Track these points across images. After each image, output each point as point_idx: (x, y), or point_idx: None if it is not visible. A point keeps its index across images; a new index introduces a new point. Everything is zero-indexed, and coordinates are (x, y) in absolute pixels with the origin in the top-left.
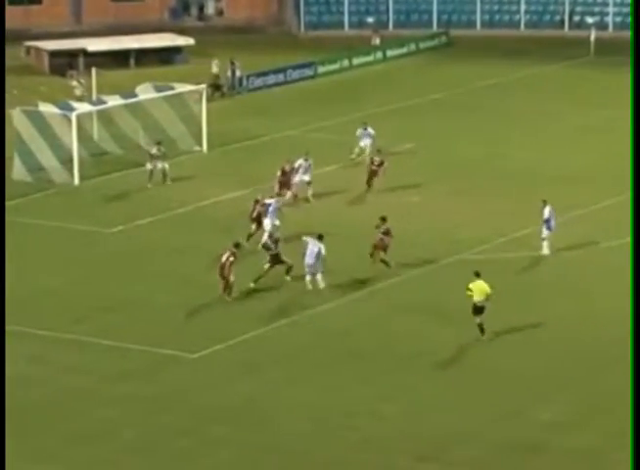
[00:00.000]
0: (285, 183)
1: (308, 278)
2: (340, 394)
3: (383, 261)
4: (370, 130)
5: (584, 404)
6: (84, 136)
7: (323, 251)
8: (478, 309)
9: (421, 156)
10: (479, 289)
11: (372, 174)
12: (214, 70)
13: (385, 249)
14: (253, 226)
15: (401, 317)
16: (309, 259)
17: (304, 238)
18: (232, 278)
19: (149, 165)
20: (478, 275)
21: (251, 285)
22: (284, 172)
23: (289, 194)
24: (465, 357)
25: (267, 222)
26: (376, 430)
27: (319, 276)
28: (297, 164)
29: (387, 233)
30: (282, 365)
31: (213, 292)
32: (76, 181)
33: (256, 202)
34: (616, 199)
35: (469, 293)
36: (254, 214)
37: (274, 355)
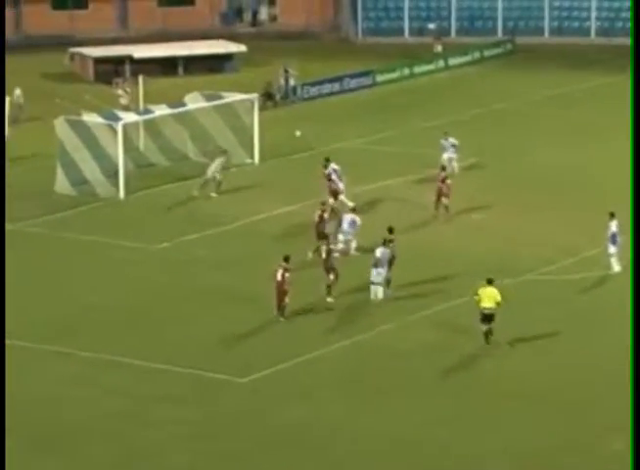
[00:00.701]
0: (333, 191)
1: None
2: (401, 420)
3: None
4: (452, 140)
5: None
6: (130, 147)
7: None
8: (485, 317)
9: (485, 170)
10: (488, 295)
11: (440, 193)
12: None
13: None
14: (321, 238)
15: (462, 339)
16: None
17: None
18: (287, 299)
19: (218, 176)
20: (490, 282)
21: (329, 300)
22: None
23: (337, 201)
24: (530, 385)
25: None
26: (438, 456)
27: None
28: (328, 171)
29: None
30: (339, 390)
31: (265, 311)
32: (122, 194)
33: (321, 215)
34: None
35: (476, 298)
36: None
37: (331, 379)
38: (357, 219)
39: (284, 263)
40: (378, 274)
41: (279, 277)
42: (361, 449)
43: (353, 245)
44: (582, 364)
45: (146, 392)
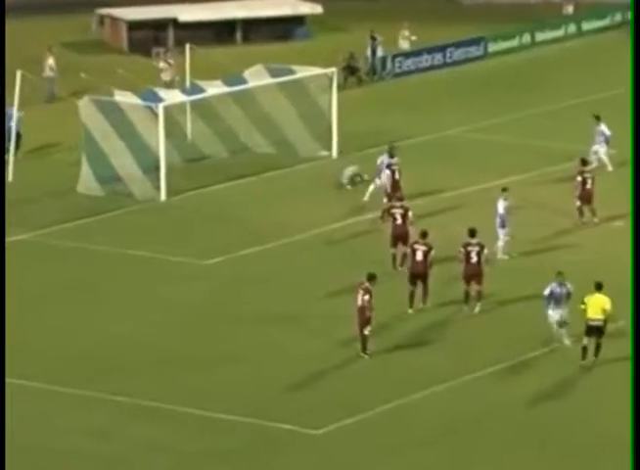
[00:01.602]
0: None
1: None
2: None
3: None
4: (603, 128)
5: None
6: (175, 135)
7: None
8: (591, 329)
9: (626, 165)
10: (595, 304)
11: (585, 196)
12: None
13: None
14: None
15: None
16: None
17: None
18: (368, 329)
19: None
20: (599, 288)
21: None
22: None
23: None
24: None
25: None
26: None
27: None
28: (379, 161)
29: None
30: (436, 445)
31: (344, 347)
32: (163, 196)
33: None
34: None
35: (582, 306)
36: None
37: (424, 432)
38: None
39: (366, 283)
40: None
41: (359, 301)
42: None
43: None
44: None
45: (193, 447)
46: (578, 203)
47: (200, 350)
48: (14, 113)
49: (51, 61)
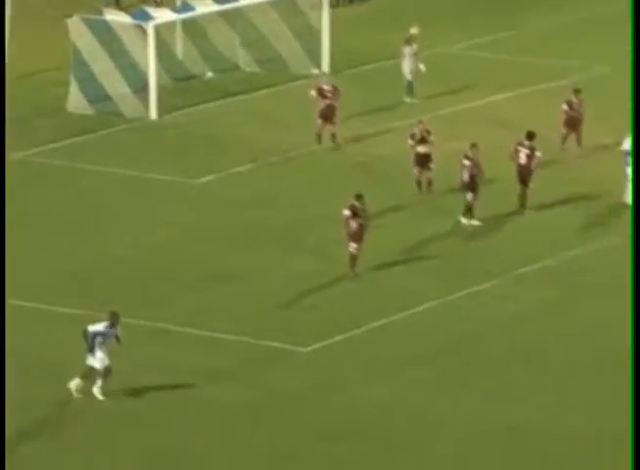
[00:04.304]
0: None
1: None
2: (504, 403)
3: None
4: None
5: None
6: (165, 54)
7: None
8: None
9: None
10: None
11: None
12: None
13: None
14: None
15: (591, 301)
16: None
17: None
18: (353, 247)
19: None
20: None
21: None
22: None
23: None
24: None
25: None
26: (557, 452)
27: None
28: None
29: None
30: (426, 364)
31: (335, 265)
32: (153, 115)
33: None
34: None
35: None
36: (467, 177)
37: (415, 350)
38: None
39: (355, 202)
40: None
41: (350, 223)
42: (449, 439)
43: None
44: None
45: (185, 365)
46: (564, 130)
47: (193, 269)
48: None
49: None
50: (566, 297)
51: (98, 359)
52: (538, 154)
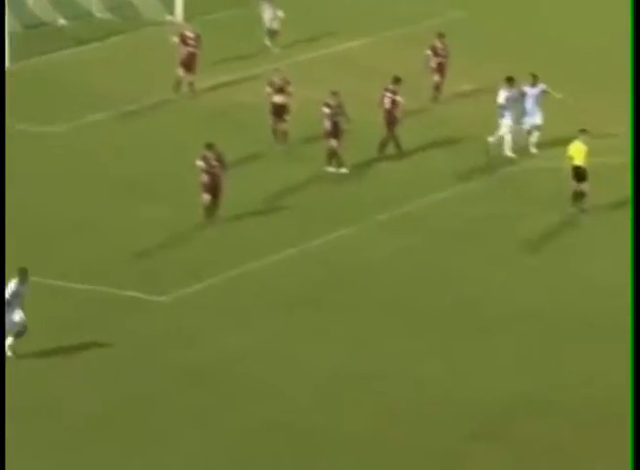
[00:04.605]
0: None
1: None
2: (361, 350)
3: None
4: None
5: None
6: (15, 1)
7: None
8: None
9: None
10: (577, 149)
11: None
12: None
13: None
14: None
15: (448, 243)
16: None
17: None
18: (205, 198)
19: None
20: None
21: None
22: None
23: None
24: (533, 304)
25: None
26: (409, 396)
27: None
28: None
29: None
30: (284, 312)
31: (192, 214)
32: (7, 62)
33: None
34: None
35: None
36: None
37: (273, 298)
38: None
39: (207, 152)
40: None
41: (202, 173)
42: (310, 387)
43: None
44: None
45: (38, 315)
46: (431, 75)
47: (46, 218)
48: None
49: None
50: (425, 243)
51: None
52: (399, 98)
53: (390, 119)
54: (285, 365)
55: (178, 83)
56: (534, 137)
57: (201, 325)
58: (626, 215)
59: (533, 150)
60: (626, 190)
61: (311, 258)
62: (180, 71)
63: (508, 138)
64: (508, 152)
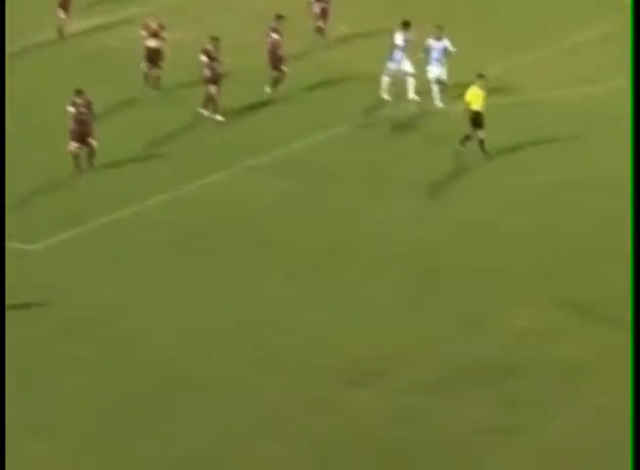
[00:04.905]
0: None
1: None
2: (237, 297)
3: None
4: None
5: (571, 307)
6: None
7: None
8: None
9: None
10: (474, 95)
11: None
12: None
13: None
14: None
15: (327, 190)
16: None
17: None
18: (73, 146)
19: None
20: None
21: None
22: None
23: None
24: (413, 247)
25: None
26: (286, 344)
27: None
28: None
29: None
30: (158, 259)
31: (62, 160)
32: None
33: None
34: None
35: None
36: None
37: (146, 245)
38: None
39: (76, 99)
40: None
41: (72, 122)
42: (182, 333)
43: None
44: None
45: None
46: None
47: None
48: None
49: None
50: (302, 187)
51: None
52: (276, 36)
53: (274, 58)
54: (158, 314)
55: (60, 30)
56: (437, 91)
57: (73, 274)
58: (514, 158)
59: (439, 104)
60: (515, 131)
61: (185, 203)
62: (60, 14)
63: (386, 80)
64: (385, 95)
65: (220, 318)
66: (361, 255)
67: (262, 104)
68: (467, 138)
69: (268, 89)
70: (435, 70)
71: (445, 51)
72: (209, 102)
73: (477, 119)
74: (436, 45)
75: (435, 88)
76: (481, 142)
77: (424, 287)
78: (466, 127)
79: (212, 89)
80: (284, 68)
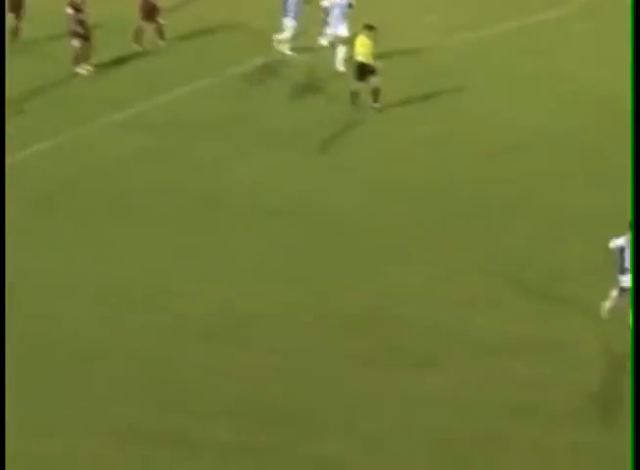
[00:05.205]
0: None
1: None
2: (98, 255)
3: None
4: None
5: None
6: None
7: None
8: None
9: None
10: (361, 44)
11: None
12: None
13: None
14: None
15: (190, 144)
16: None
17: None
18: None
19: None
20: (369, 28)
21: None
22: None
23: None
24: (283, 201)
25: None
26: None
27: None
28: None
29: None
30: (20, 215)
31: None
32: None
33: None
34: None
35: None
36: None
37: (9, 200)
38: None
39: None
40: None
41: None
42: (76, 297)
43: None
44: None
45: None
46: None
47: None
48: None
49: None
50: (163, 141)
51: None
52: None
53: (148, 9)
54: (16, 272)
55: None
56: (340, 52)
57: None
58: (402, 113)
59: (341, 68)
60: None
61: (46, 159)
62: None
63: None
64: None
65: (79, 279)
66: (225, 207)
67: (130, 57)
68: (355, 94)
69: (135, 45)
70: (334, 30)
71: (348, 7)
72: (76, 55)
73: (363, 70)
74: (337, 1)
75: (340, 50)
76: (375, 91)
77: (294, 243)
78: (351, 82)
79: (76, 43)
80: (160, 19)
